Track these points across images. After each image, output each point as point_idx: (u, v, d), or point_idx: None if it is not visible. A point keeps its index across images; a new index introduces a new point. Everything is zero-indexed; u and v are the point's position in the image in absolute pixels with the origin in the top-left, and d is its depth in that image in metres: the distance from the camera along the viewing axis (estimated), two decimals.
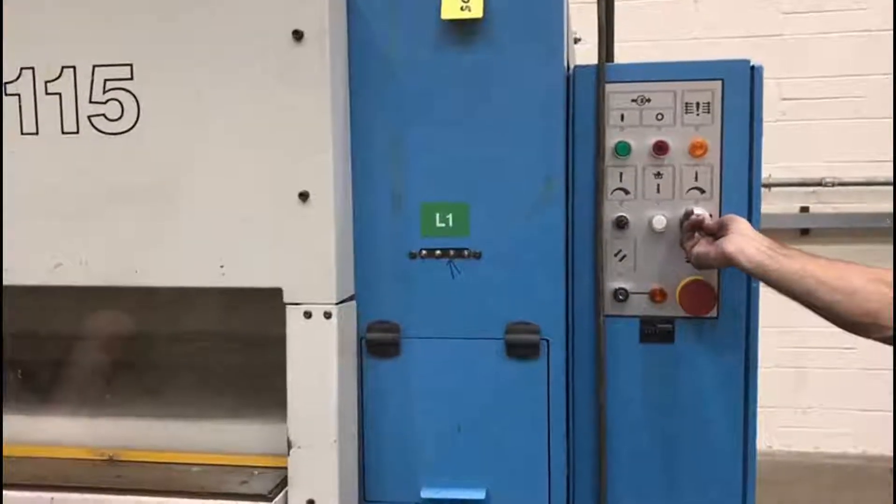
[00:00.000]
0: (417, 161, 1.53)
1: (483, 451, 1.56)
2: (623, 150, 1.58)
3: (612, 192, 1.59)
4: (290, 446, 1.47)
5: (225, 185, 1.46)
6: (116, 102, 1.47)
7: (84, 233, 1.50)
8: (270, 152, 1.44)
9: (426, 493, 1.55)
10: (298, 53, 1.41)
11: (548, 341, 1.53)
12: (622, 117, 1.58)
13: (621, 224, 1.59)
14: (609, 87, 1.57)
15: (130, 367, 1.71)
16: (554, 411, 1.54)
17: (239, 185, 1.45)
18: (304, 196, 1.44)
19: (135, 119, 1.47)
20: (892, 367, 1.72)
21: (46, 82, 1.48)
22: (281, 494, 1.47)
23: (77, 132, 1.48)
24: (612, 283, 1.60)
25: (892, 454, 4.02)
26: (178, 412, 1.67)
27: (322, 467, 1.46)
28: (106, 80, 1.46)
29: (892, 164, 4.10)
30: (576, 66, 1.58)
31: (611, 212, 1.59)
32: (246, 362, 1.68)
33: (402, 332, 1.56)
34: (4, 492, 1.52)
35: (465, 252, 1.53)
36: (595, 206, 1.58)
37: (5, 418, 1.70)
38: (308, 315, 1.46)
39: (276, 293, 1.47)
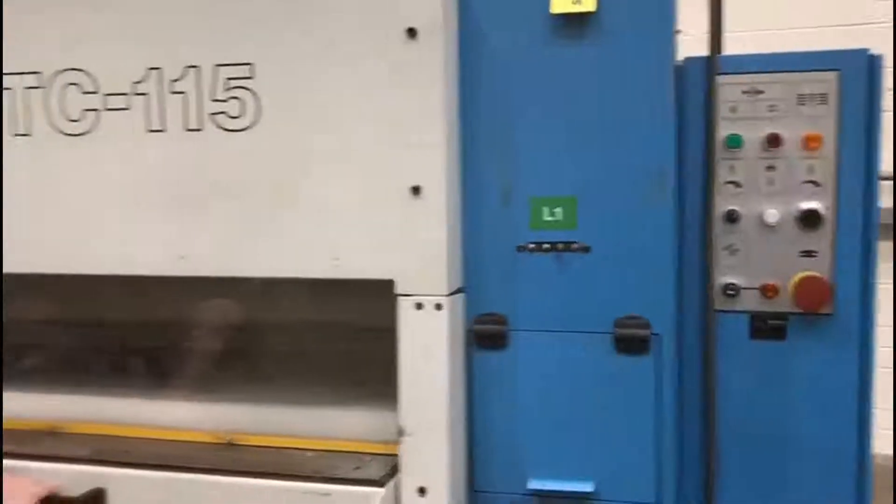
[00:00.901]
0: (526, 155, 1.54)
1: (590, 444, 1.56)
2: (734, 142, 1.56)
3: (723, 186, 1.57)
4: (401, 434, 1.51)
5: (339, 179, 1.50)
6: (237, 100, 1.53)
7: (206, 226, 1.57)
8: (383, 147, 1.48)
9: (533, 485, 1.57)
10: (412, 50, 1.44)
11: (659, 336, 1.52)
12: (734, 109, 1.56)
13: (732, 218, 1.56)
14: (720, 79, 1.55)
15: (246, 355, 1.78)
16: (663, 407, 1.53)
17: (352, 180, 1.50)
18: (416, 190, 1.47)
19: (254, 116, 1.52)
20: None
21: (172, 81, 1.55)
22: (393, 480, 1.51)
23: (200, 129, 1.55)
24: (723, 278, 1.58)
25: None
26: (291, 399, 1.73)
27: (433, 455, 1.50)
28: (228, 79, 1.53)
29: None
30: (686, 58, 1.57)
31: (721, 205, 1.57)
32: (355, 352, 1.72)
33: (509, 325, 1.58)
34: (132, 470, 1.60)
35: (574, 245, 1.54)
36: (705, 199, 1.56)
37: (129, 401, 1.79)
38: (419, 306, 1.49)
39: (385, 285, 1.51)
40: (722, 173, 1.57)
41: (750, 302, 1.58)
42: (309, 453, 1.64)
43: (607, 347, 1.54)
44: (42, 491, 1.58)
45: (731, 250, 1.58)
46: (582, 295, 1.54)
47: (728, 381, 1.58)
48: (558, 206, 1.53)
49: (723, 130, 1.56)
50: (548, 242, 1.55)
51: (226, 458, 1.63)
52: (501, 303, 1.58)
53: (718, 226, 1.57)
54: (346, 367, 1.73)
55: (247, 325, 1.76)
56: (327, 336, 1.72)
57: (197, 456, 1.64)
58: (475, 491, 1.62)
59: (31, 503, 1.55)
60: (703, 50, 1.56)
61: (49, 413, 1.82)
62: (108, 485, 1.61)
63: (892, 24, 4.04)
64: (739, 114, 1.56)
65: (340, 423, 1.69)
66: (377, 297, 1.55)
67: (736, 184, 1.57)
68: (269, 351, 1.76)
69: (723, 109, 1.56)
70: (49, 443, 1.73)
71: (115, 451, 1.68)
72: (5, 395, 1.84)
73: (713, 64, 1.55)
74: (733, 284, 1.57)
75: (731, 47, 1.79)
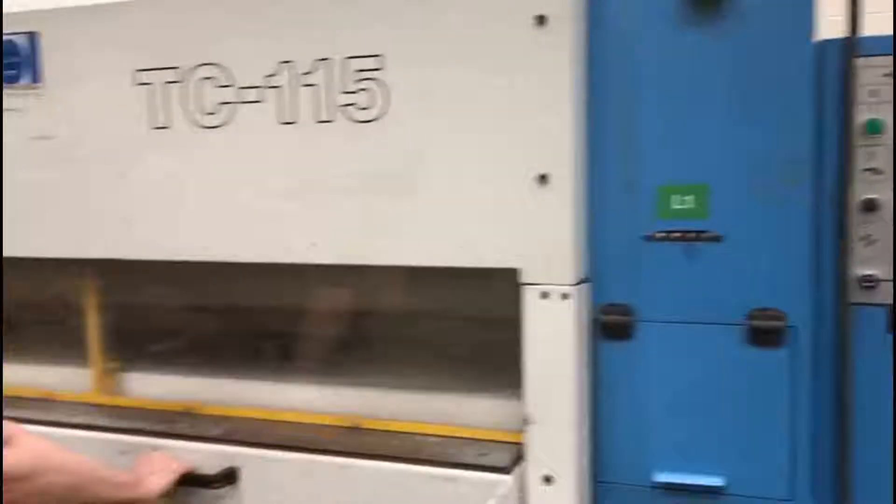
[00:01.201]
0: (654, 142, 1.52)
1: (720, 437, 1.52)
2: (874, 127, 1.49)
3: (861, 173, 1.50)
4: (526, 422, 1.51)
5: (466, 168, 1.51)
6: (366, 92, 1.56)
7: (335, 214, 1.61)
8: (511, 136, 1.48)
9: (660, 477, 1.54)
10: (541, 38, 1.44)
11: (794, 328, 1.47)
12: (874, 93, 1.49)
13: (871, 206, 1.50)
14: (859, 62, 1.48)
15: (371, 341, 1.82)
16: (798, 401, 1.49)
17: (479, 168, 1.51)
18: (543, 178, 1.46)
19: (383, 107, 1.55)
20: None
21: (303, 74, 1.60)
22: (518, 468, 1.51)
23: (330, 121, 1.59)
24: (860, 270, 1.51)
25: None
26: (414, 385, 1.76)
27: (559, 444, 1.50)
28: (357, 71, 1.56)
29: None
30: (824, 40, 1.51)
31: (860, 193, 1.50)
32: (477, 340, 1.74)
33: (635, 315, 1.56)
34: (263, 450, 1.67)
35: (705, 234, 1.50)
36: (842, 187, 1.50)
37: (259, 384, 1.86)
38: (545, 296, 1.49)
39: (510, 273, 1.52)
40: (860, 160, 1.50)
41: (888, 294, 1.51)
42: (432, 439, 1.67)
43: (739, 339, 1.50)
44: (181, 467, 1.66)
45: (869, 240, 1.52)
46: (713, 285, 1.50)
47: (864, 377, 1.52)
48: (689, 193, 1.50)
49: (862, 115, 1.49)
50: (677, 231, 1.52)
51: (352, 441, 1.67)
52: (627, 293, 1.56)
53: (856, 215, 1.51)
54: (469, 355, 1.75)
55: (373, 312, 1.80)
56: (453, 324, 1.74)
57: (325, 439, 1.69)
58: (599, 482, 1.61)
59: (173, 478, 1.64)
60: (839, 32, 1.50)
61: (185, 395, 1.91)
62: (240, 463, 1.68)
63: None
64: (881, 98, 1.49)
65: (463, 411, 1.71)
66: (500, 285, 1.57)
67: (875, 171, 1.50)
68: (394, 338, 1.79)
69: (861, 93, 1.49)
70: (185, 423, 1.81)
71: (247, 431, 1.75)
72: (146, 377, 1.95)
73: (851, 46, 1.49)
74: (871, 276, 1.51)
75: (870, 27, 1.72)
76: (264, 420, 1.81)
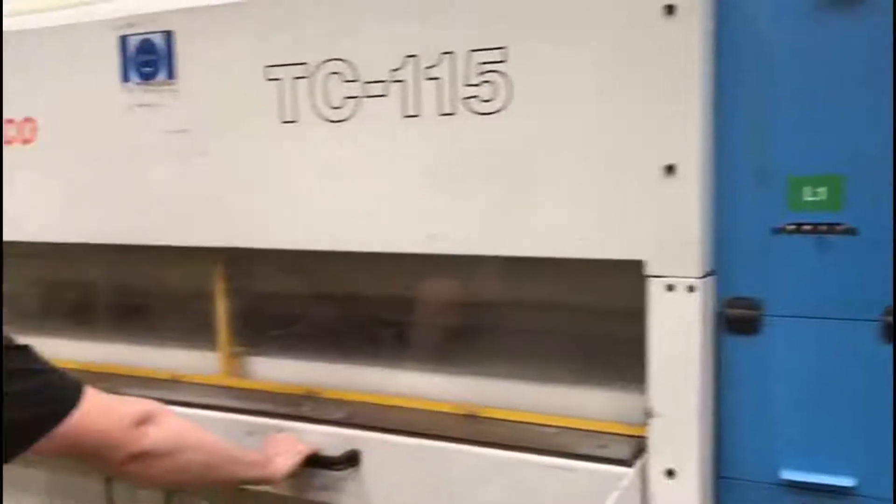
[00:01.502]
0: (785, 131, 1.47)
1: (851, 437, 1.48)
2: None
3: None
4: (648, 415, 1.51)
5: (590, 158, 1.51)
6: (489, 84, 1.58)
7: (456, 206, 1.64)
8: (637, 126, 1.47)
9: (787, 475, 1.51)
10: (670, 27, 1.42)
11: None
12: None
13: None
14: None
15: (488, 331, 1.84)
16: None
17: (603, 159, 1.50)
18: (670, 169, 1.45)
19: (506, 99, 1.56)
20: None
21: (427, 68, 1.62)
22: (640, 461, 1.51)
23: (453, 113, 1.61)
24: None
25: None
26: (530, 376, 1.77)
27: (682, 438, 1.48)
28: (481, 64, 1.58)
29: None
30: None
31: None
32: (592, 331, 1.73)
33: (762, 310, 1.52)
34: (384, 435, 1.71)
35: (839, 227, 1.46)
36: None
37: (378, 371, 1.91)
38: (670, 288, 1.47)
39: (631, 265, 1.51)
40: None
41: None
42: (548, 429, 1.67)
43: (873, 336, 1.45)
44: (306, 449, 1.72)
45: None
46: (846, 280, 1.45)
47: None
48: (822, 185, 1.46)
49: None
50: (809, 224, 1.47)
51: (469, 429, 1.70)
52: (754, 286, 1.53)
53: None
54: (584, 347, 1.75)
55: (490, 301, 1.81)
56: (565, 315, 1.74)
57: (442, 425, 1.72)
58: (721, 477, 1.58)
59: (299, 459, 1.70)
60: None
61: (305, 379, 1.98)
62: (361, 447, 1.73)
63: None
64: None
65: (579, 403, 1.71)
66: (619, 277, 1.56)
67: None
68: (511, 328, 1.81)
69: None
70: (307, 406, 1.88)
71: (367, 416, 1.80)
72: (270, 361, 2.03)
73: None
74: None
75: None
76: (382, 405, 1.85)
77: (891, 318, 1.43)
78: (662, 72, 1.44)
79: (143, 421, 1.47)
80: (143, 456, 1.45)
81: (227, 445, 1.64)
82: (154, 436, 1.47)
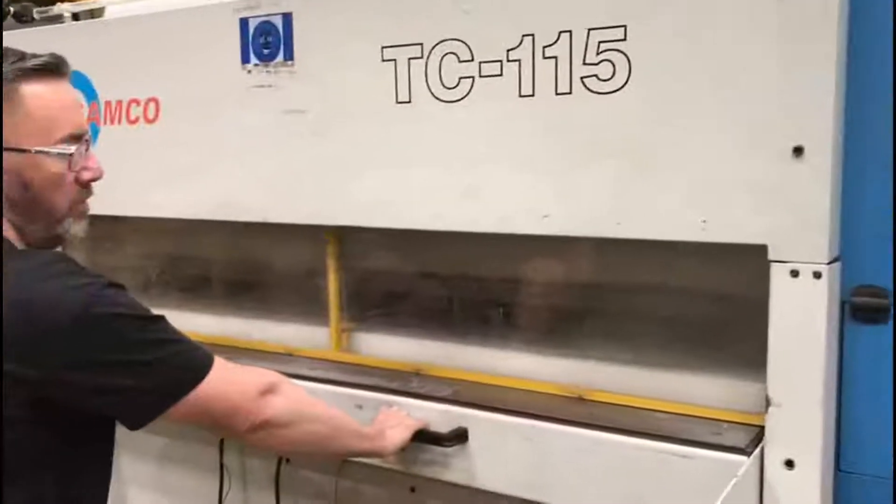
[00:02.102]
0: None
1: None
2: None
3: None
4: (768, 404, 1.47)
5: (712, 139, 1.47)
6: (609, 63, 1.55)
7: (571, 186, 1.62)
8: (763, 106, 1.42)
9: None
10: (804, 4, 1.37)
11: None
12: None
13: None
14: None
15: (599, 314, 1.82)
16: None
17: (727, 140, 1.46)
18: (798, 151, 1.40)
19: (625, 78, 1.54)
20: None
21: (544, 47, 1.61)
22: (758, 450, 1.47)
23: (570, 93, 1.60)
24: None
25: None
26: (641, 360, 1.75)
27: (803, 429, 1.44)
28: (600, 42, 1.55)
29: None
30: None
31: None
32: (706, 317, 1.70)
33: (890, 298, 1.46)
34: (492, 414, 1.72)
35: None
36: None
37: (485, 350, 1.92)
38: (795, 274, 1.43)
39: (749, 250, 1.47)
40: None
41: None
42: (660, 415, 1.65)
43: None
44: (417, 424, 1.75)
45: None
46: None
47: None
48: None
49: None
50: None
51: (579, 411, 1.69)
52: (882, 274, 1.46)
53: None
54: (701, 333, 1.71)
55: (600, 284, 1.80)
56: (684, 300, 1.70)
57: (551, 406, 1.72)
58: (840, 470, 1.53)
59: (409, 433, 1.73)
60: None
61: (414, 356, 2.01)
62: (469, 424, 1.74)
63: None
64: None
65: (692, 389, 1.68)
66: (737, 261, 1.53)
67: None
68: (621, 311, 1.78)
69: None
70: (415, 382, 1.91)
71: (474, 394, 1.81)
72: (378, 337, 2.07)
73: None
74: None
75: None
76: (489, 385, 1.86)
77: None
78: (791, 49, 1.39)
79: (268, 391, 1.52)
80: (265, 425, 1.51)
81: (345, 417, 1.69)
82: (277, 406, 1.52)
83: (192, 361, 1.44)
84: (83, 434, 1.44)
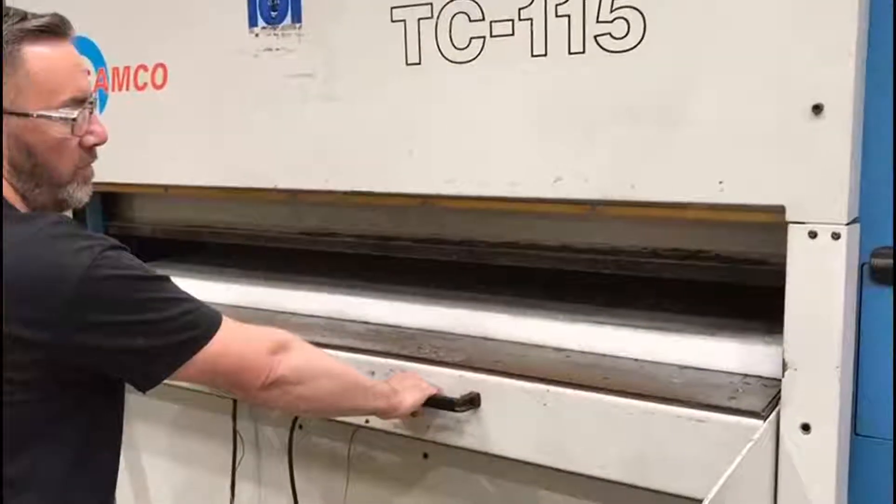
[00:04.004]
0: None
1: None
2: None
3: None
4: (784, 367, 1.45)
5: (730, 98, 1.44)
6: (623, 20, 1.52)
7: (585, 149, 1.59)
8: (782, 63, 1.39)
9: None
10: None
11: None
12: None
13: None
14: None
15: (617, 280, 1.80)
16: None
17: (745, 98, 1.43)
18: (817, 108, 1.37)
19: (640, 36, 1.50)
20: None
21: (557, 5, 1.58)
22: (774, 414, 1.46)
23: (583, 52, 1.56)
24: None
25: None
26: (658, 325, 1.73)
27: (820, 392, 1.42)
28: (613, 0, 1.52)
29: None
30: None
31: None
32: (725, 282, 1.67)
33: None
34: (504, 379, 1.71)
35: None
36: None
37: (496, 314, 1.91)
38: (813, 235, 1.40)
39: (767, 211, 1.44)
40: None
41: None
42: (675, 380, 1.64)
43: None
44: (431, 388, 1.74)
45: None
46: None
47: None
48: None
49: None
50: None
51: (593, 376, 1.67)
52: None
53: None
54: (718, 296, 1.69)
55: (615, 250, 1.77)
56: (699, 264, 1.67)
57: (564, 372, 1.70)
58: (858, 434, 1.52)
59: (422, 396, 1.71)
60: None
61: (423, 321, 2.00)
62: (482, 390, 1.73)
63: None
64: None
65: (706, 354, 1.66)
66: (749, 224, 1.50)
67: None
68: (639, 277, 1.76)
69: None
70: (428, 348, 1.89)
71: (487, 360, 1.80)
72: (390, 304, 2.06)
73: None
74: None
75: None
76: (502, 350, 1.85)
77: None
78: (812, 5, 1.35)
79: (279, 349, 1.52)
80: (277, 382, 1.50)
81: (358, 375, 1.68)
82: (288, 363, 1.52)
83: (200, 319, 1.43)
84: (94, 398, 1.45)
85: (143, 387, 1.44)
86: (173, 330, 1.40)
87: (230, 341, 1.45)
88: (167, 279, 1.45)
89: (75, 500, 1.44)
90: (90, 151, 1.51)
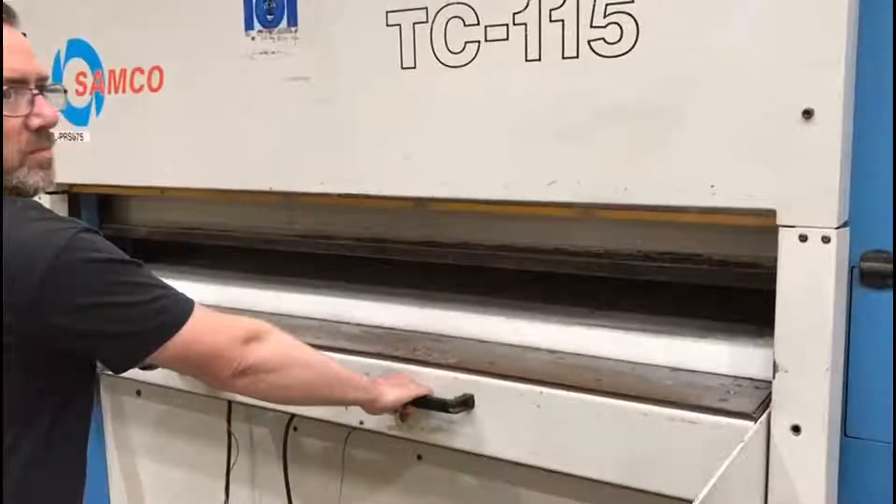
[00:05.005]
0: None
1: None
2: None
3: None
4: (775, 369, 1.46)
5: (722, 103, 1.46)
6: (616, 26, 1.53)
7: (578, 152, 1.61)
8: (773, 68, 1.40)
9: None
10: None
11: None
12: None
13: None
14: None
15: (608, 282, 1.81)
16: None
17: (736, 104, 1.44)
18: (808, 113, 1.38)
19: (633, 41, 1.52)
20: None
21: (551, 10, 1.59)
22: (764, 415, 1.47)
23: (577, 57, 1.58)
24: None
25: None
26: (650, 328, 1.74)
27: (810, 394, 1.43)
28: (607, 5, 1.53)
29: None
30: None
31: None
32: (715, 284, 1.68)
33: None
34: (497, 380, 1.71)
35: None
36: None
37: (490, 316, 1.92)
38: (804, 238, 1.41)
39: (758, 215, 1.45)
40: None
41: None
42: (668, 381, 1.65)
43: None
44: (418, 389, 1.74)
45: None
46: None
47: None
48: None
49: None
50: None
51: (585, 377, 1.68)
52: (892, 240, 1.46)
53: None
54: (709, 300, 1.71)
55: (611, 253, 1.78)
56: (690, 267, 1.69)
57: (557, 374, 1.71)
58: (847, 436, 1.53)
59: (406, 394, 1.71)
60: None
61: (413, 325, 2.01)
62: (475, 391, 1.74)
63: None
64: None
65: (699, 356, 1.68)
66: (741, 228, 1.51)
67: None
68: (632, 279, 1.77)
69: None
70: (421, 350, 1.90)
71: (480, 362, 1.81)
72: (380, 306, 2.07)
73: None
74: None
75: None
76: (496, 352, 1.86)
77: None
78: (801, 8, 1.36)
79: (252, 338, 1.52)
80: (248, 371, 1.51)
81: (336, 366, 1.68)
82: (261, 352, 1.52)
83: (173, 305, 1.44)
84: (65, 379, 1.46)
85: (115, 369, 1.46)
86: (145, 315, 1.40)
87: (202, 329, 1.46)
88: (141, 264, 1.45)
89: (50, 473, 1.45)
90: (40, 134, 1.49)
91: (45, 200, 2.43)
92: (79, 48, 2.34)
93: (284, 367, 1.58)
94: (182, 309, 1.45)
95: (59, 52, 2.37)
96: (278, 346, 1.58)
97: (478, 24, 1.67)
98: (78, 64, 2.34)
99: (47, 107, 1.49)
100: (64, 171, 2.38)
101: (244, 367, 1.50)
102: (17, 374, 1.37)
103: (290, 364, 1.59)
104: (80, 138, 2.37)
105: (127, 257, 1.43)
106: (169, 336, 1.42)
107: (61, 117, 2.35)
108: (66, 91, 1.67)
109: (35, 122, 1.47)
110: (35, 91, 1.47)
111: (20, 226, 1.35)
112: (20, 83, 1.45)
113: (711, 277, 1.67)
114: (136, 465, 2.56)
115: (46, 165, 1.51)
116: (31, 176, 1.47)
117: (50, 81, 1.52)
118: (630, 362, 1.72)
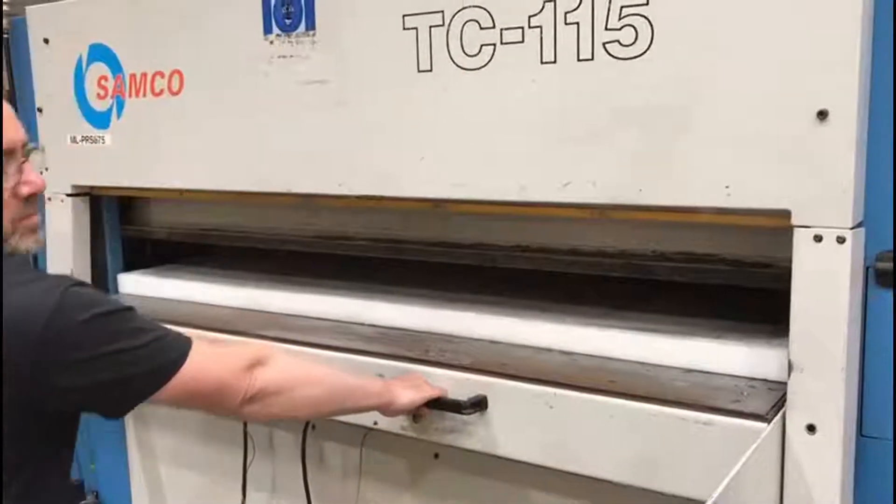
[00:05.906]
0: None
1: None
2: None
3: None
4: (790, 369, 1.46)
5: (737, 104, 1.46)
6: (631, 28, 1.54)
7: (593, 154, 1.62)
8: (787, 69, 1.41)
9: None
10: None
11: None
12: None
13: None
14: None
15: (621, 281, 1.82)
16: None
17: (751, 105, 1.45)
18: (822, 114, 1.39)
19: (648, 43, 1.53)
20: None
21: (566, 13, 1.60)
22: (779, 416, 1.47)
23: (592, 59, 1.59)
24: None
25: None
26: (664, 328, 1.75)
27: (826, 394, 1.43)
28: (622, 7, 1.54)
29: None
30: None
31: None
32: (730, 284, 1.69)
33: None
34: (510, 381, 1.72)
35: None
36: None
37: (503, 317, 1.93)
38: (818, 239, 1.42)
39: (772, 215, 1.46)
40: None
41: None
42: (679, 382, 1.65)
43: None
44: (433, 391, 1.76)
45: None
46: None
47: None
48: None
49: None
50: None
51: (598, 379, 1.69)
52: None
53: None
54: (725, 300, 1.71)
55: (625, 253, 1.79)
56: (706, 267, 1.69)
57: (568, 374, 1.72)
58: (863, 435, 1.53)
59: (420, 396, 1.72)
60: None
61: (431, 324, 2.02)
62: (489, 392, 1.74)
63: None
64: None
65: (712, 357, 1.68)
66: (756, 228, 1.52)
67: None
68: (646, 280, 1.78)
69: None
70: (434, 350, 1.91)
71: (494, 363, 1.82)
72: (395, 306, 2.08)
73: None
74: None
75: None
76: (509, 353, 1.87)
77: None
78: (816, 8, 1.37)
79: (254, 364, 1.54)
80: (257, 397, 1.53)
81: (344, 377, 1.70)
82: (265, 377, 1.54)
83: (169, 346, 1.46)
84: (55, 433, 1.47)
85: (113, 415, 1.48)
86: (143, 358, 1.42)
87: (203, 362, 1.48)
88: (132, 309, 1.47)
89: None
90: (29, 201, 1.51)
91: (67, 203, 2.50)
92: (100, 53, 2.37)
93: (292, 387, 1.59)
94: (179, 348, 1.46)
95: (80, 57, 2.40)
96: (283, 368, 1.60)
97: (493, 27, 1.69)
98: (99, 68, 2.38)
99: (34, 174, 1.51)
100: (85, 173, 2.47)
101: (252, 394, 1.52)
102: (15, 428, 1.37)
103: (297, 384, 1.61)
104: (101, 141, 2.41)
105: (118, 305, 1.45)
106: (167, 377, 1.43)
107: (83, 120, 2.43)
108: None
109: (24, 189, 1.49)
110: (22, 159, 1.49)
111: (11, 289, 1.35)
112: (10, 154, 1.46)
113: (726, 278, 1.68)
114: (155, 466, 2.59)
115: (36, 230, 1.54)
116: (22, 242, 1.50)
117: (30, 144, 1.53)
118: (644, 363, 1.73)
